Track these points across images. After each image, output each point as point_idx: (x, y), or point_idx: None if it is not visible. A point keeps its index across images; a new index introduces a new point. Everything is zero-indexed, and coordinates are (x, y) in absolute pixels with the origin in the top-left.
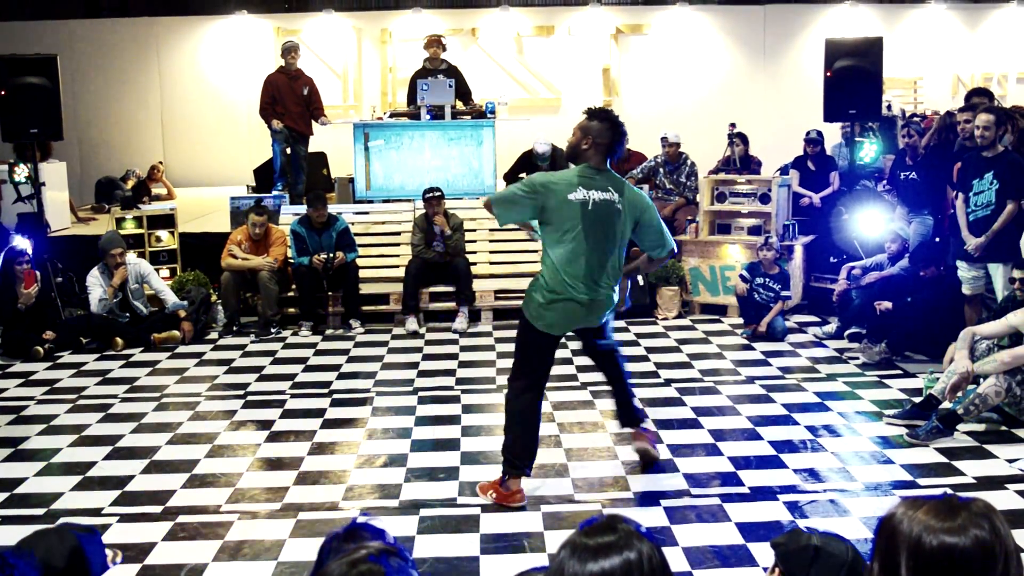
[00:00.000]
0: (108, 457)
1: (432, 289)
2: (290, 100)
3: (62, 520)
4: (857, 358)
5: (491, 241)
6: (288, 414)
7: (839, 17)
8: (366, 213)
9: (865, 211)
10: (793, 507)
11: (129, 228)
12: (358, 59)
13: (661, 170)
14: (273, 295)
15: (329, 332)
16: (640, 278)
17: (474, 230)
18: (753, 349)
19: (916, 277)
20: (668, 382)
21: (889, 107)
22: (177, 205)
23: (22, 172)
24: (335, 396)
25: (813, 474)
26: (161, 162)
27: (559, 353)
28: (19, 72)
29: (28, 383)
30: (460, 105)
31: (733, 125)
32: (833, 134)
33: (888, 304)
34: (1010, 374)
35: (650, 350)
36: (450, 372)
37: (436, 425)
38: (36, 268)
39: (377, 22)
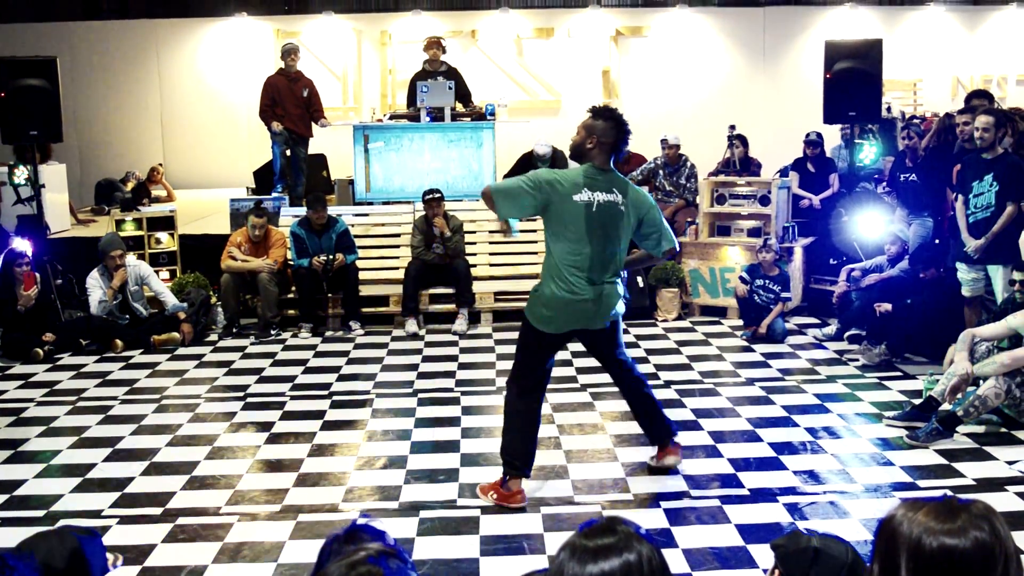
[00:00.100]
0: (108, 459)
1: (432, 291)
2: (290, 102)
3: (62, 522)
4: (857, 360)
5: (491, 243)
6: (288, 416)
7: (839, 19)
8: (366, 215)
9: (865, 213)
10: (793, 509)
11: (129, 230)
12: (358, 61)
13: (661, 172)
14: (273, 297)
15: (329, 334)
16: (640, 280)
17: (474, 232)
18: (753, 351)
19: (916, 279)
20: (668, 384)
21: (889, 109)
22: (177, 207)
23: (22, 174)
24: (335, 398)
25: (813, 476)
26: (161, 164)
27: (559, 355)
28: (19, 74)
29: (28, 385)
30: (460, 107)
31: (733, 127)
32: (833, 136)
33: (888, 306)
34: (1010, 376)
35: (650, 352)
36: (450, 374)
37: (436, 427)
38: (36, 270)
39: (377, 24)
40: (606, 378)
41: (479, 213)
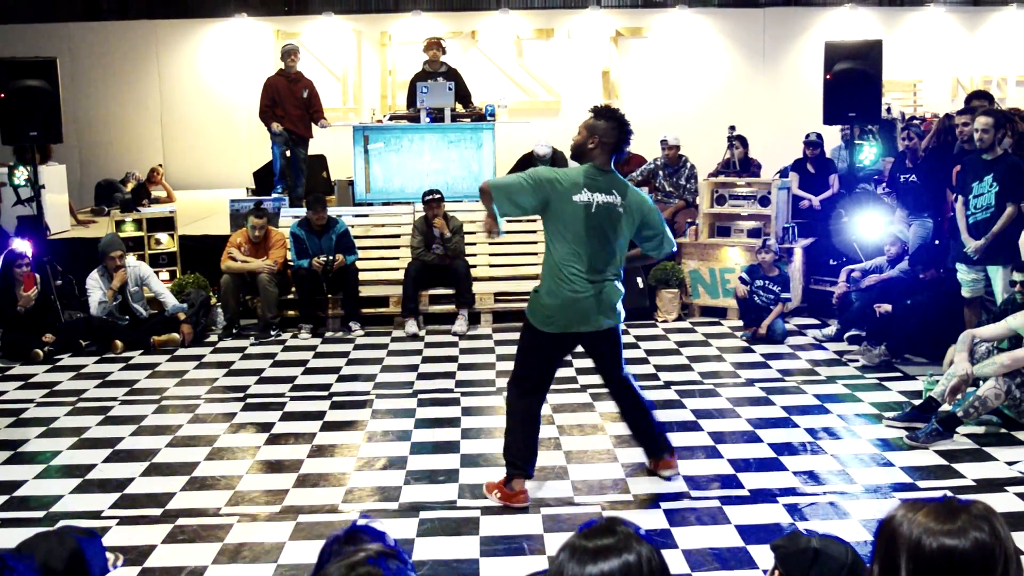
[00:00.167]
0: (108, 460)
1: (432, 292)
2: (290, 103)
3: (62, 523)
4: (857, 360)
5: (491, 243)
6: (288, 416)
7: (838, 20)
8: (366, 216)
9: (865, 214)
10: (793, 509)
11: (129, 231)
12: (358, 62)
13: (661, 173)
14: (273, 298)
15: (329, 335)
16: (640, 281)
17: (474, 233)
18: (753, 351)
19: (916, 280)
20: (668, 384)
21: (888, 110)
22: (177, 208)
23: (22, 175)
24: (335, 399)
25: (813, 476)
26: (161, 165)
27: None
28: (19, 75)
29: (28, 386)
30: (460, 108)
31: (733, 128)
32: (833, 137)
33: (888, 307)
34: (1010, 376)
35: (650, 352)
36: (450, 375)
37: (436, 428)
38: (36, 271)
39: (377, 25)
40: None
41: (479, 214)
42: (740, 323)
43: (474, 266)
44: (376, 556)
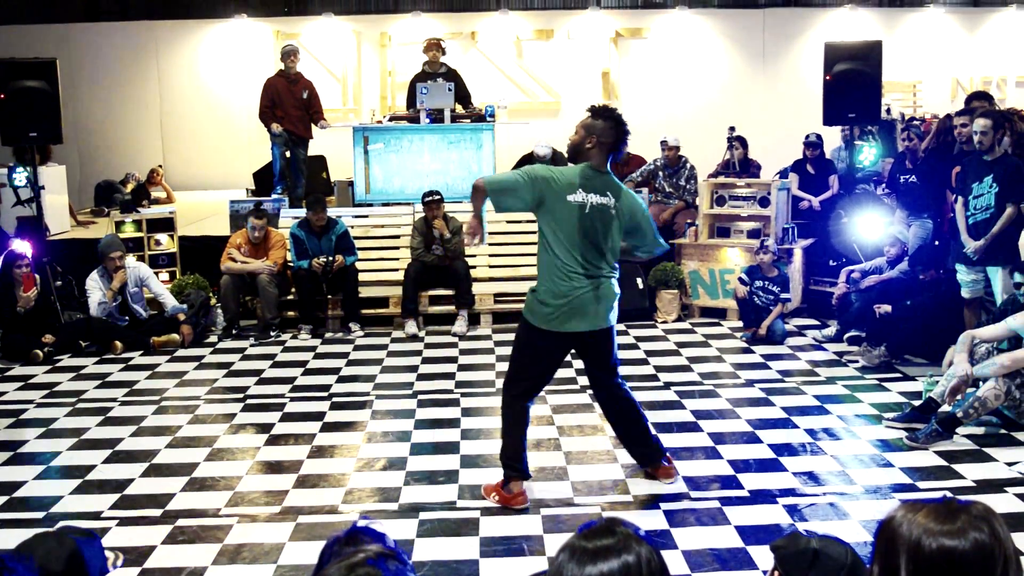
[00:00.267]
0: (107, 461)
1: (431, 292)
2: (289, 104)
3: (61, 524)
4: (856, 361)
5: (490, 244)
6: (287, 417)
7: (838, 21)
8: (365, 216)
9: (864, 214)
10: (792, 510)
11: (128, 231)
12: (357, 63)
13: (660, 173)
14: (272, 298)
15: (328, 335)
16: (640, 281)
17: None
18: (753, 352)
19: (915, 280)
20: (668, 385)
21: (888, 111)
22: (176, 208)
23: (21, 175)
24: (334, 399)
25: (812, 477)
26: (160, 165)
27: None
28: (18, 76)
29: (27, 386)
30: (459, 109)
31: (732, 129)
32: (832, 138)
33: (887, 307)
34: (1009, 377)
35: (649, 353)
36: (449, 375)
37: (435, 428)
38: (35, 271)
39: (376, 26)
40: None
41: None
42: (740, 324)
43: (474, 267)
44: (376, 557)
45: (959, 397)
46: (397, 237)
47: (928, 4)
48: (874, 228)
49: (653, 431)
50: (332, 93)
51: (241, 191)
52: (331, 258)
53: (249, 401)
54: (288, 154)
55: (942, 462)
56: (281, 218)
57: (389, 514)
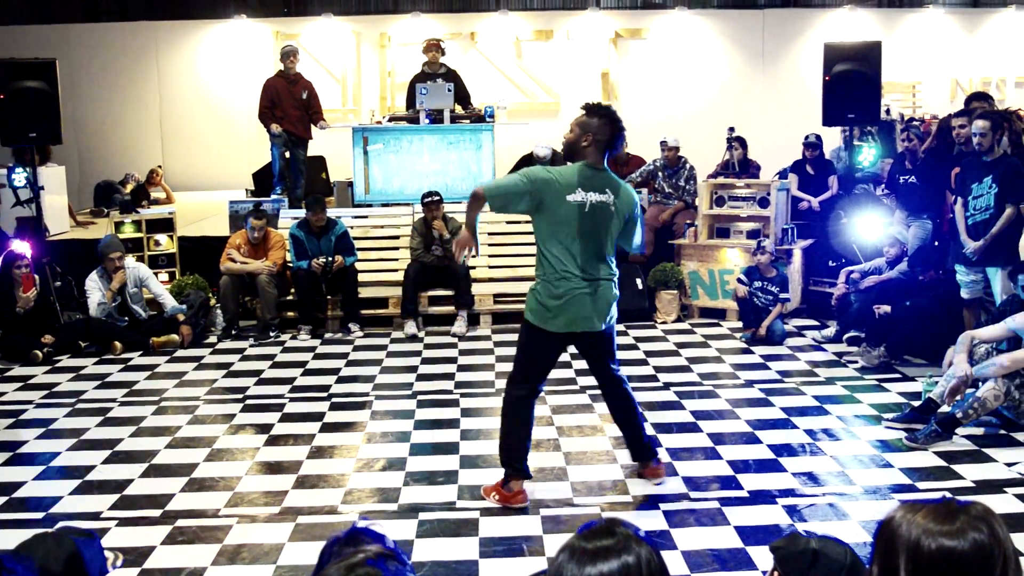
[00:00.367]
0: (107, 461)
1: (431, 293)
2: (289, 104)
3: (61, 524)
4: (856, 362)
5: (490, 245)
6: (287, 418)
7: (838, 21)
8: (365, 217)
9: (864, 215)
10: (792, 511)
11: (128, 232)
12: (357, 63)
13: (660, 174)
14: (272, 299)
15: (328, 336)
16: (639, 282)
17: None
18: (752, 353)
19: (915, 281)
20: (667, 386)
21: (888, 111)
22: (176, 209)
23: (21, 176)
24: (334, 400)
25: (812, 478)
26: (160, 166)
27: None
28: (18, 76)
29: (27, 387)
30: (459, 109)
31: (732, 129)
32: (832, 138)
33: (887, 308)
34: (1009, 378)
35: (649, 354)
36: (449, 376)
37: (435, 429)
38: (35, 272)
39: (376, 26)
40: None
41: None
42: (739, 324)
43: (473, 267)
44: (376, 557)
45: (958, 398)
46: (396, 238)
47: (927, 5)
48: (873, 229)
49: (650, 431)
50: (332, 94)
51: (240, 191)
52: (330, 259)
53: (248, 401)
54: (288, 155)
55: (941, 463)
56: (280, 218)
57: (389, 514)
